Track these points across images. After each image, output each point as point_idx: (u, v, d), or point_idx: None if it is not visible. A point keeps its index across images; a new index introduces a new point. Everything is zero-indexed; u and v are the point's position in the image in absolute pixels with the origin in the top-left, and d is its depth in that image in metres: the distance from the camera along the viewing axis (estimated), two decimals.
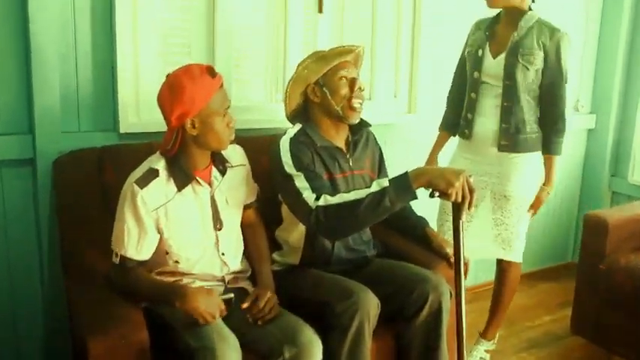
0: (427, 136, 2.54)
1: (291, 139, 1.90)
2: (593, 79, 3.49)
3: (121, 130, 2.09)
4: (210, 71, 1.63)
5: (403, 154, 2.77)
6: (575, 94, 3.40)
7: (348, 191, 1.75)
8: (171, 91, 1.61)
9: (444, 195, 1.64)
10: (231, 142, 1.89)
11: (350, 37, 2.55)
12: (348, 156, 2.01)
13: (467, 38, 2.42)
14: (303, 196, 1.76)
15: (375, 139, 2.17)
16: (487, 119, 2.30)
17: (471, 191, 1.64)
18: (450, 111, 2.50)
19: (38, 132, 1.97)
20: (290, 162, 1.84)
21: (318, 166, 1.90)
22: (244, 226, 1.93)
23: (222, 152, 1.79)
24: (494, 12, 2.32)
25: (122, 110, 2.08)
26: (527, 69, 2.20)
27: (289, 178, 1.81)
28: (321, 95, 1.94)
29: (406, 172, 1.66)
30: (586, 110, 3.50)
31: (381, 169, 2.17)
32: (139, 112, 2.13)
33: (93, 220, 1.90)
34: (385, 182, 1.66)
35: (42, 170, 1.99)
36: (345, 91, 1.93)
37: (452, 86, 2.50)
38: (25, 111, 1.97)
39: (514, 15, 2.23)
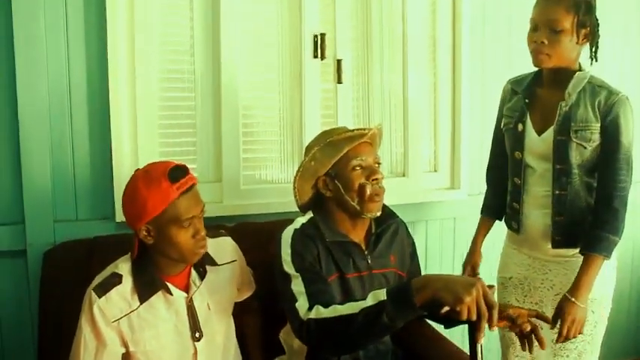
0: (475, 213, 2.19)
1: (295, 230, 1.62)
2: None
3: (117, 219, 1.96)
4: (173, 174, 1.40)
5: (449, 237, 2.43)
6: None
7: (343, 303, 1.43)
8: (126, 192, 1.45)
9: (454, 312, 1.27)
10: (223, 235, 1.70)
11: (376, 107, 2.29)
12: (366, 252, 1.69)
13: (501, 102, 1.97)
14: (296, 303, 1.47)
15: (407, 230, 1.83)
16: (538, 211, 1.85)
17: (490, 307, 1.25)
18: (490, 192, 2.08)
19: (28, 222, 1.89)
20: (289, 259, 1.56)
21: (325, 265, 1.60)
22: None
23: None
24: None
25: (118, 197, 1.91)
26: (584, 147, 1.73)
27: (286, 278, 1.54)
28: (334, 189, 1.65)
29: (409, 282, 1.33)
30: None
31: (412, 266, 1.82)
32: None
33: (76, 322, 1.69)
34: (382, 294, 1.33)
35: (33, 262, 1.88)
36: (360, 182, 1.63)
37: (490, 162, 2.09)
38: (17, 201, 1.89)
39: (561, 75, 1.75)
